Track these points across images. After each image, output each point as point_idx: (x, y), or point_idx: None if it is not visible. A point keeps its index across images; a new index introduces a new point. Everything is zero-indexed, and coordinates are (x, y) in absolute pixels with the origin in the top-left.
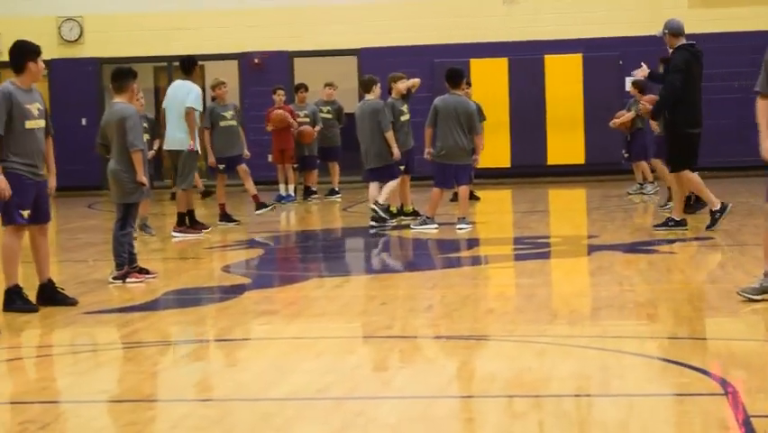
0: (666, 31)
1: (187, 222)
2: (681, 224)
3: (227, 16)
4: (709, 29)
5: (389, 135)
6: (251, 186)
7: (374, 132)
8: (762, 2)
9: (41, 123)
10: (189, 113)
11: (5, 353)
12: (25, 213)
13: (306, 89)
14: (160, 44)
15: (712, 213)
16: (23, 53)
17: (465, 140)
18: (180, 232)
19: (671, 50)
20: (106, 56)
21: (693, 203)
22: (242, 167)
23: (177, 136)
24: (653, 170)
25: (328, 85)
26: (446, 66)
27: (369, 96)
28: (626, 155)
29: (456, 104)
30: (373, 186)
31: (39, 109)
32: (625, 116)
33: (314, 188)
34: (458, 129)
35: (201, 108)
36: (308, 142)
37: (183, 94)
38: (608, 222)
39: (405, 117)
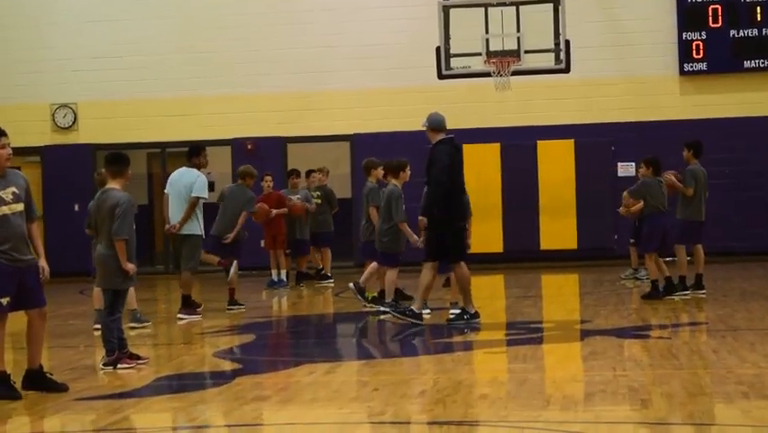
0: (427, 124)
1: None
2: (476, 315)
3: (220, 102)
4: (701, 115)
5: (404, 226)
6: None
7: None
8: (752, 89)
9: (17, 207)
10: (194, 202)
11: None
12: (4, 300)
13: (299, 175)
14: (153, 131)
15: (463, 311)
16: None
17: None
18: (186, 314)
19: (431, 145)
20: (100, 142)
21: (677, 283)
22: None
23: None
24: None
25: (318, 170)
26: None
27: (394, 181)
28: (632, 241)
29: None
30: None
31: (14, 193)
32: (637, 205)
33: (306, 270)
34: None
35: (207, 196)
36: (299, 213)
37: (189, 181)
38: (600, 307)
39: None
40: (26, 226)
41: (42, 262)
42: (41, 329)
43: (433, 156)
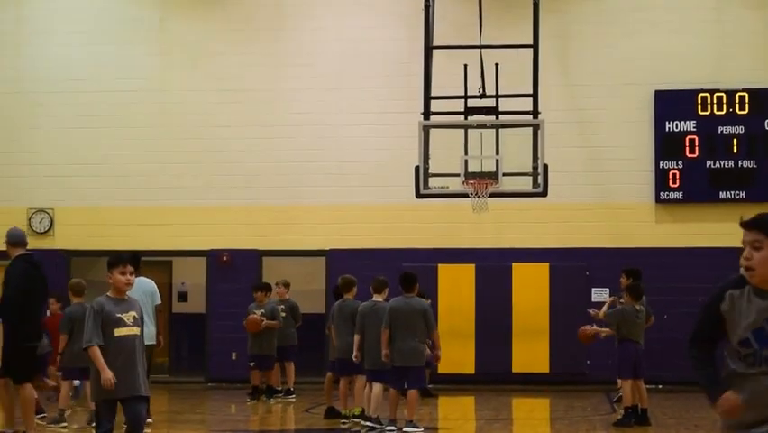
0: (5, 240)
1: None
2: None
3: (197, 213)
4: (676, 244)
5: (357, 338)
6: None
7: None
8: (727, 219)
9: None
10: (162, 310)
11: None
12: None
13: (266, 289)
14: (129, 239)
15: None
16: None
17: (415, 342)
18: None
19: (10, 261)
20: (75, 248)
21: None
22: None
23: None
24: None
25: (280, 284)
26: (414, 270)
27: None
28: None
29: (408, 306)
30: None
31: None
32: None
33: (278, 388)
34: (409, 331)
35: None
36: (254, 328)
37: (150, 290)
38: None
39: None
40: None
41: None
42: None
43: (8, 273)
